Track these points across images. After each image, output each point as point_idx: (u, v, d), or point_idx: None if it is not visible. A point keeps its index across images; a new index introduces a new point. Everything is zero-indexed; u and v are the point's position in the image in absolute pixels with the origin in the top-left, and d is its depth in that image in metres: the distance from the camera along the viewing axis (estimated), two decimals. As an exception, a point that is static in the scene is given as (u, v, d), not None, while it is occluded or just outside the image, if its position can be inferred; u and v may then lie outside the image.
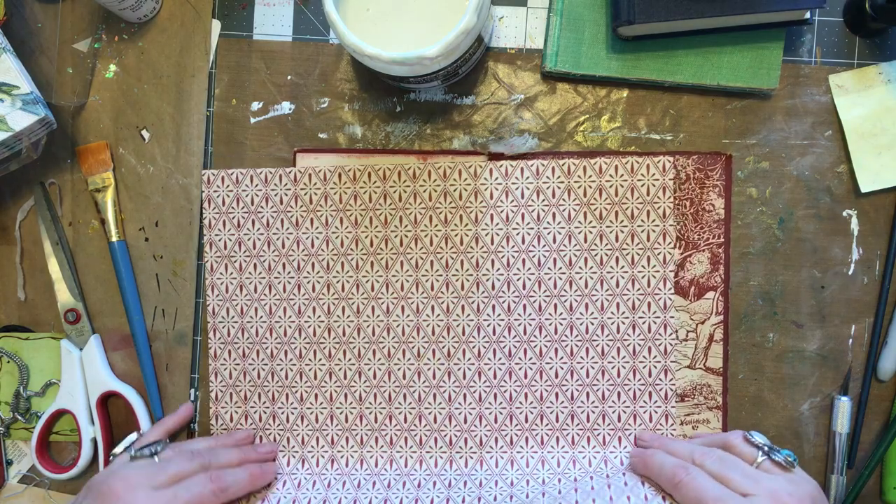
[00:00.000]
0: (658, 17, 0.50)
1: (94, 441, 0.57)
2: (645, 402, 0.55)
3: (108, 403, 0.58)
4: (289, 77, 0.57)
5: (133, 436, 0.53)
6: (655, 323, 0.55)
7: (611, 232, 0.55)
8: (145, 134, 0.57)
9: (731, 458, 0.48)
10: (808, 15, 0.52)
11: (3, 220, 0.58)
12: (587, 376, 0.55)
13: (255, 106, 0.57)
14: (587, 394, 0.55)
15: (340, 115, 0.57)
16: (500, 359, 0.56)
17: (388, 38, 0.49)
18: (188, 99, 0.57)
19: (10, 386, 0.58)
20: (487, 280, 0.55)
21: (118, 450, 0.52)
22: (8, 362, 0.58)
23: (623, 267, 0.55)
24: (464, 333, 0.56)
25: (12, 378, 0.58)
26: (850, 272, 0.55)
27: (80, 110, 0.58)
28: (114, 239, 0.57)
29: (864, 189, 0.54)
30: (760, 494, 0.44)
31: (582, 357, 0.55)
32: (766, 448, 0.47)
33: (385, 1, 0.50)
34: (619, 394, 0.55)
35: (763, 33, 0.53)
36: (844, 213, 0.55)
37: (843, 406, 0.54)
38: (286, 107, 0.57)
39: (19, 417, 0.58)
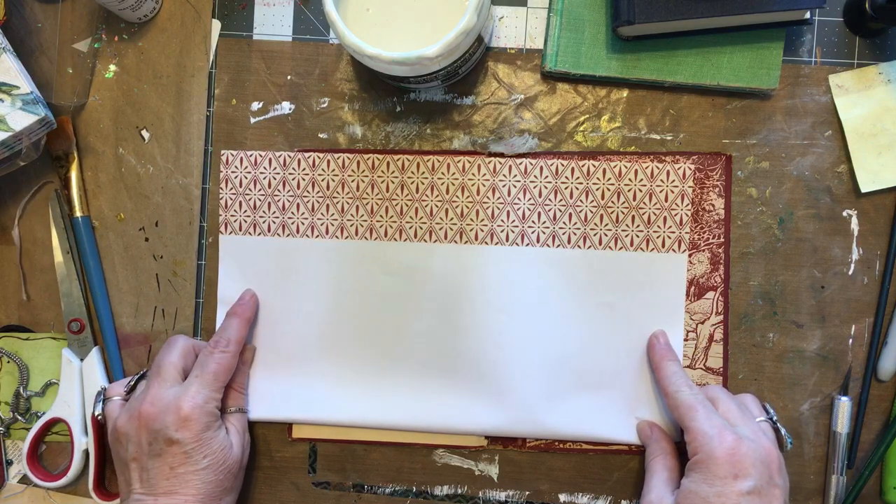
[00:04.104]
0: (658, 17, 0.50)
1: (86, 452, 0.56)
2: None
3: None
4: (289, 77, 0.57)
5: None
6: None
7: (626, 236, 0.55)
8: (145, 134, 0.57)
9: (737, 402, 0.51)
10: (808, 15, 0.52)
11: (3, 219, 0.58)
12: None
13: (255, 106, 0.57)
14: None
15: (340, 115, 0.57)
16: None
17: (388, 38, 0.49)
18: (188, 99, 0.57)
19: (10, 386, 0.58)
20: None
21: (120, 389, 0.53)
22: (8, 362, 0.58)
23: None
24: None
25: (12, 378, 0.58)
26: (850, 272, 0.55)
27: (80, 110, 0.58)
28: (77, 214, 0.57)
29: (864, 189, 0.54)
30: (740, 425, 0.48)
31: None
32: (774, 417, 0.51)
33: (385, 1, 0.50)
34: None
35: (763, 33, 0.53)
36: (844, 213, 0.55)
37: (843, 406, 0.54)
38: (286, 107, 0.57)
39: (19, 417, 0.58)
